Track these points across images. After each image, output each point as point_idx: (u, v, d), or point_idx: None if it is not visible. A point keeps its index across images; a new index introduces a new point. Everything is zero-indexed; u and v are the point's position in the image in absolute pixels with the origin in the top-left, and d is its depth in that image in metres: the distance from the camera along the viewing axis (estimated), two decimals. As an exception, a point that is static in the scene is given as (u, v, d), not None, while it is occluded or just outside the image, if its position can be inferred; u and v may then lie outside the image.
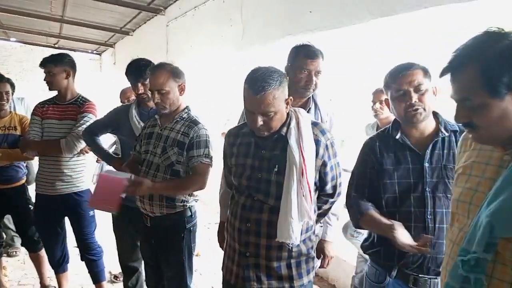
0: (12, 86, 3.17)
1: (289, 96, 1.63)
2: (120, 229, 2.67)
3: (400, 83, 1.57)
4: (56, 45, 10.01)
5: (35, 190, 2.91)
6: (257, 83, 1.51)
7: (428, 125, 1.62)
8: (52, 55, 2.86)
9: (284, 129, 1.63)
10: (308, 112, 2.11)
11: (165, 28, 6.34)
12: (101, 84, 9.89)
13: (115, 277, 3.41)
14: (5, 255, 3.74)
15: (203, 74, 5.23)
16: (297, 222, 1.56)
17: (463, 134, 1.32)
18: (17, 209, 3.16)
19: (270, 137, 1.64)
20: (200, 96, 5.25)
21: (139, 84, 2.49)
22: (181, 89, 2.16)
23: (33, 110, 2.92)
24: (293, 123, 1.63)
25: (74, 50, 9.93)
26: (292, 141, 1.59)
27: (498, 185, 1.00)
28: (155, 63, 2.25)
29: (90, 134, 2.67)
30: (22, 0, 6.51)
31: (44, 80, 2.80)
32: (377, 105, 2.85)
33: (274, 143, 1.64)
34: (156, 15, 6.58)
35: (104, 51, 10.56)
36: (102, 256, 2.96)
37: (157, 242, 2.18)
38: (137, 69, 2.49)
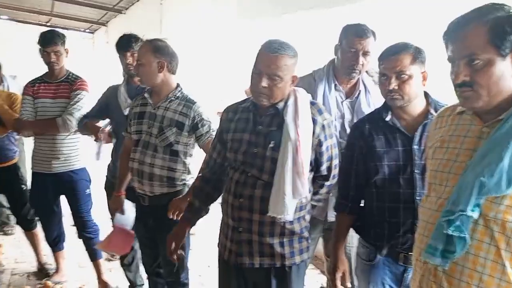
0: None
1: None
2: None
3: (384, 67, 1.58)
4: (48, 23, 9.84)
5: (31, 169, 2.91)
6: (275, 44, 1.57)
7: (417, 107, 1.62)
8: (54, 33, 2.81)
9: (281, 104, 1.63)
10: (357, 96, 2.10)
11: (159, 6, 6.25)
12: (94, 63, 9.77)
13: (112, 255, 3.43)
14: (1, 233, 3.77)
15: (197, 52, 5.18)
16: (290, 198, 1.57)
17: (438, 112, 1.38)
18: (10, 188, 3.16)
19: (267, 113, 1.65)
20: (195, 74, 5.22)
21: (128, 54, 2.58)
22: (160, 66, 2.11)
23: (24, 90, 2.90)
24: (290, 101, 1.63)
25: (67, 29, 9.75)
26: (288, 117, 1.59)
27: (483, 150, 1.07)
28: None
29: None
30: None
31: (49, 60, 2.77)
32: None
33: (270, 119, 1.65)
34: (149, -8, 6.48)
35: (97, 29, 10.41)
36: (99, 234, 2.98)
37: (155, 220, 2.19)
38: (124, 40, 2.61)
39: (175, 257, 1.91)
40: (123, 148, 2.36)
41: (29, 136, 3.07)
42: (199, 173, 1.96)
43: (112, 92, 2.69)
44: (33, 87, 2.86)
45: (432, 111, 1.60)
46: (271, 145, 1.61)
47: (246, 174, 1.66)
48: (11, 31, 10.57)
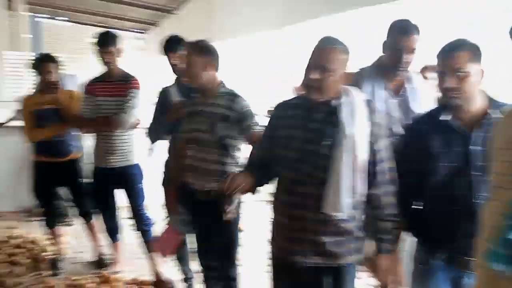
0: (58, 64, 3.27)
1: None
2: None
3: (442, 64, 1.55)
4: (103, 24, 10.28)
5: (93, 164, 3.09)
6: (328, 39, 1.62)
7: (475, 106, 1.57)
8: (109, 34, 2.95)
9: (335, 102, 1.63)
10: (405, 94, 2.08)
11: (209, 6, 6.37)
12: (146, 63, 10.10)
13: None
14: (62, 224, 3.96)
15: (246, 53, 5.25)
16: (344, 195, 1.57)
17: (503, 111, 1.33)
18: (71, 181, 3.35)
19: (320, 109, 1.65)
20: (243, 75, 5.30)
21: (174, 55, 2.75)
22: (205, 65, 2.20)
23: (83, 88, 3.07)
24: (345, 99, 1.63)
25: (121, 29, 10.15)
26: (344, 115, 1.59)
27: None
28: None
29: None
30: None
31: (105, 59, 2.92)
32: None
33: (324, 116, 1.65)
34: (199, -7, 6.62)
35: (149, 30, 10.74)
36: (152, 226, 3.11)
37: (209, 215, 2.26)
38: (169, 42, 2.80)
39: (230, 195, 1.86)
40: (176, 148, 2.45)
41: (88, 133, 3.24)
42: (244, 167, 1.98)
43: (163, 94, 2.83)
44: (91, 86, 3.03)
45: (491, 110, 1.54)
46: (325, 142, 1.61)
47: (298, 172, 1.65)
48: (69, 31, 11.16)
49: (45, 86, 3.22)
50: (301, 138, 1.66)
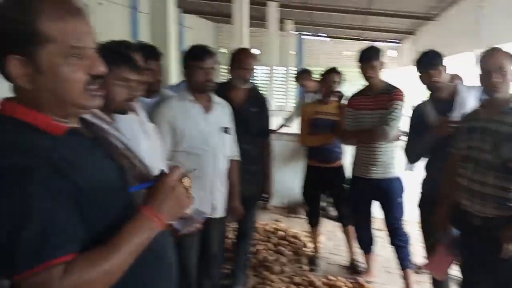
0: (341, 75, 3.55)
1: None
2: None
3: None
4: (357, 37, 10.69)
5: (352, 173, 3.22)
6: None
7: None
8: (369, 50, 3.03)
9: None
10: None
11: (476, 10, 5.80)
12: (400, 73, 9.98)
13: (419, 268, 3.33)
14: (321, 225, 4.27)
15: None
16: None
17: None
18: (334, 186, 3.58)
19: None
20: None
21: (433, 72, 2.55)
22: None
23: (347, 102, 3.22)
24: None
25: (375, 41, 10.36)
26: None
27: None
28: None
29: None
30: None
31: (367, 73, 3.00)
32: None
33: None
34: (466, -4, 6.10)
35: (404, 39, 10.56)
36: (408, 243, 3.03)
37: (484, 242, 2.05)
38: (425, 58, 2.60)
39: None
40: (449, 164, 2.30)
41: (350, 144, 3.40)
42: None
43: (417, 112, 2.71)
44: (355, 100, 3.16)
45: None
46: None
47: None
48: (326, 46, 12.08)
49: (324, 96, 3.54)
50: None
